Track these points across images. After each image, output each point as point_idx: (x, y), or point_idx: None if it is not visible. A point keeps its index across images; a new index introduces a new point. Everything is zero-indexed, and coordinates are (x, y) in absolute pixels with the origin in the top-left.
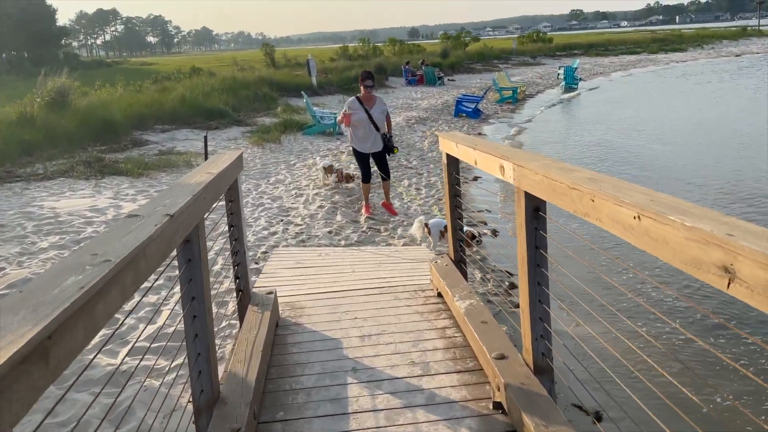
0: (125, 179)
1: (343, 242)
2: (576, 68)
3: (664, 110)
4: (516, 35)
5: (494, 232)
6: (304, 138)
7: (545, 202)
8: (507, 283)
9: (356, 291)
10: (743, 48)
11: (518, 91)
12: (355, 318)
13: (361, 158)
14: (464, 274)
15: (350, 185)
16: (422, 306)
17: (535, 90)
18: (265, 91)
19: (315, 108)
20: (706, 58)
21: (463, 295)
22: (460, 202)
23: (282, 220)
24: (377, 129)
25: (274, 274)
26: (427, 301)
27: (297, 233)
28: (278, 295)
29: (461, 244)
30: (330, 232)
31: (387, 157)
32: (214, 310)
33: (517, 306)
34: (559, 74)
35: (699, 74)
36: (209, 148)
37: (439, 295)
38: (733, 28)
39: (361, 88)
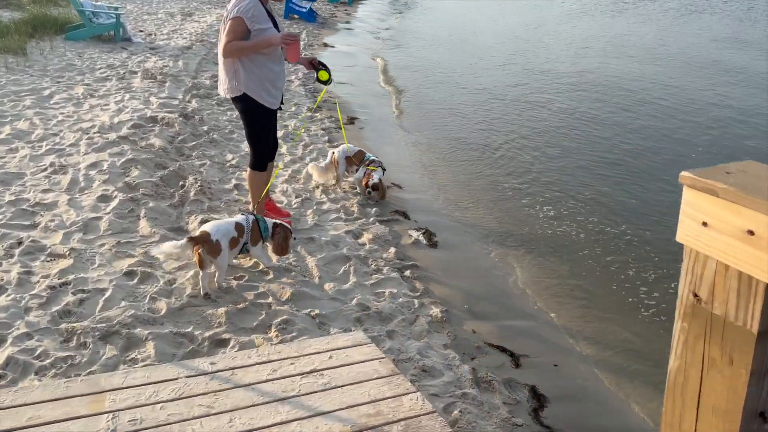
0: None
1: (164, 308)
2: None
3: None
4: None
5: (431, 239)
6: (68, 46)
7: None
8: (510, 362)
9: None
10: None
11: None
12: None
13: (270, 121)
14: None
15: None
16: None
17: None
18: None
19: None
20: None
21: None
22: None
23: (20, 243)
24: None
25: None
26: None
27: (53, 289)
28: None
29: None
30: (129, 275)
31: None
32: None
33: None
34: None
35: None
36: None
37: None
38: None
39: None
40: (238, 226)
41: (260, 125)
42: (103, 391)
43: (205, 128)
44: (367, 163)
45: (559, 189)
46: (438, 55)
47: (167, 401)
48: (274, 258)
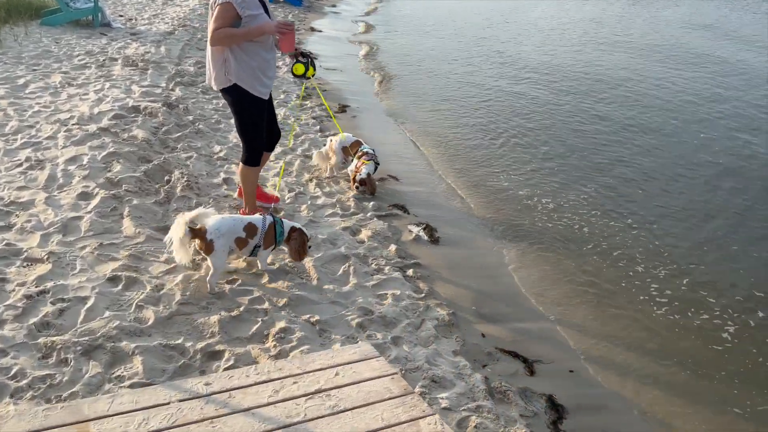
0: None
1: (152, 317)
2: None
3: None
4: None
5: (432, 235)
6: (44, 32)
7: None
8: (525, 369)
9: None
10: None
11: None
12: None
13: (263, 112)
14: None
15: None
16: None
17: None
18: None
19: None
20: None
21: None
22: None
23: None
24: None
25: None
26: None
27: (30, 298)
28: None
29: None
30: (113, 280)
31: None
32: None
33: None
34: None
35: None
36: None
37: None
38: None
39: None
40: (250, 227)
41: (252, 117)
42: (87, 420)
43: (191, 118)
44: (359, 154)
45: (560, 180)
46: (428, 42)
47: (159, 431)
48: (269, 259)
